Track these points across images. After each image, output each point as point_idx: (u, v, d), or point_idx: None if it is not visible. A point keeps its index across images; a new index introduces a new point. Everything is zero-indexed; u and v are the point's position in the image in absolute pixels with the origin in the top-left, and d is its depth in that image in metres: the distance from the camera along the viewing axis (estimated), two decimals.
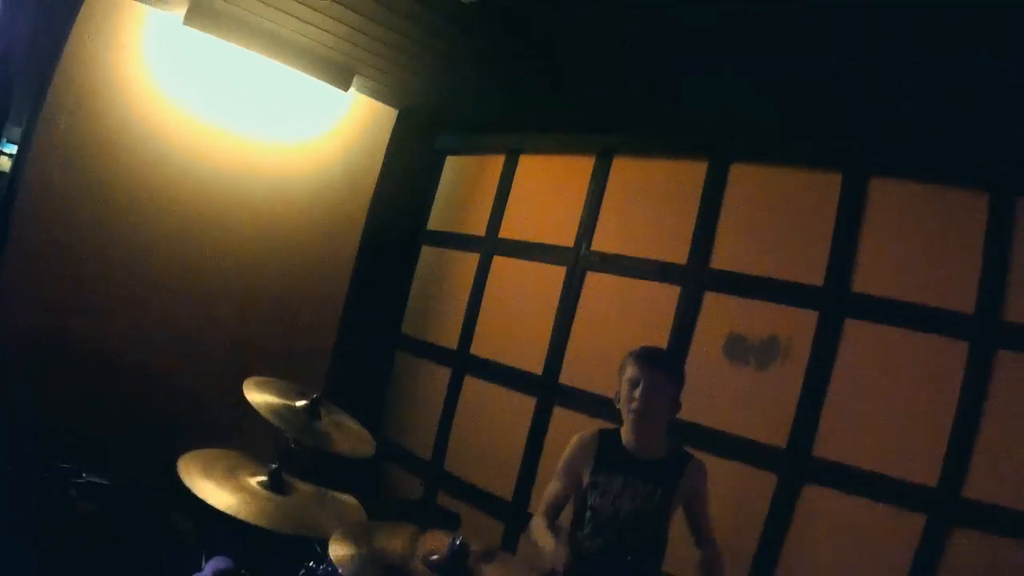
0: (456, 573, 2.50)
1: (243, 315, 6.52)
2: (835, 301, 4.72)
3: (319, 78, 6.33)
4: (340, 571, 2.55)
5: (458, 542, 2.53)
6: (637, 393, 3.91)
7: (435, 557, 2.55)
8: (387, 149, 7.18)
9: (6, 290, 5.42)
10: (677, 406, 3.99)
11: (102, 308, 5.81)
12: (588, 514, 4.05)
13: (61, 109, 5.49)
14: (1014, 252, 4.19)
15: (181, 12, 5.69)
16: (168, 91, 5.92)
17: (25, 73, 5.73)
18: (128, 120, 5.77)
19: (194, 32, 5.77)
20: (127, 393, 5.85)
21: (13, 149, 5.57)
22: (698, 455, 4.06)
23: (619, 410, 4.04)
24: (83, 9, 5.46)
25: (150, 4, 5.66)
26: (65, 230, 5.61)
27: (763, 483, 4.76)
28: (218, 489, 3.33)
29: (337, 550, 2.52)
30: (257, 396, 3.83)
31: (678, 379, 4.01)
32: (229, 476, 3.47)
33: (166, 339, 6.11)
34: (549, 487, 4.23)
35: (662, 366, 3.99)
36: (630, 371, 3.97)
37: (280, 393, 3.99)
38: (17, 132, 5.58)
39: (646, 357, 3.99)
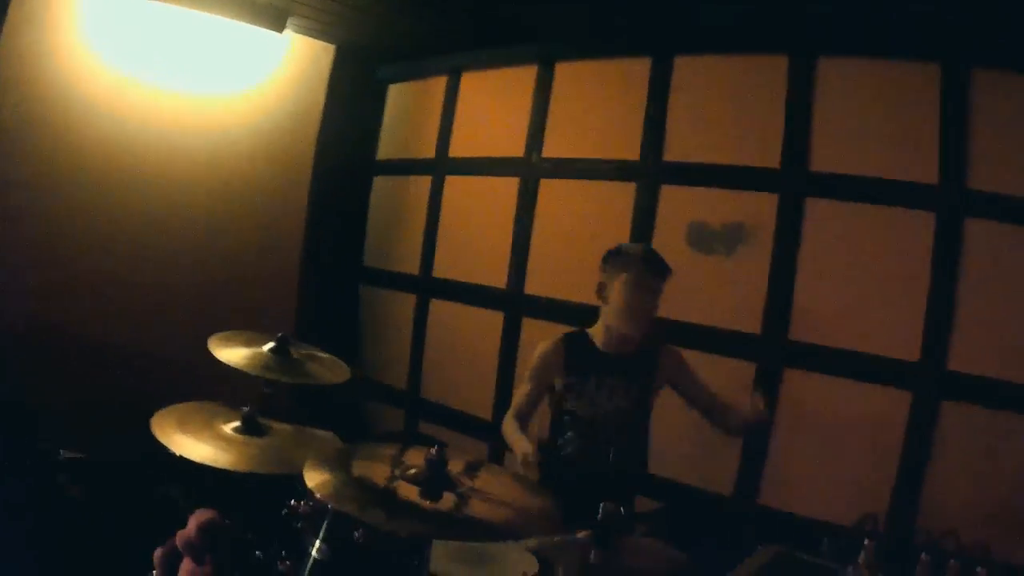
0: (438, 484, 2.46)
1: (203, 271, 6.45)
2: (794, 182, 4.68)
3: (253, 23, 6.21)
4: (319, 500, 2.51)
5: (435, 451, 2.48)
6: (638, 296, 3.90)
7: (413, 471, 2.51)
8: (328, 86, 7.07)
9: None
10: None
11: (59, 284, 5.75)
12: (567, 419, 4.05)
13: (5, 102, 5.43)
14: (972, 121, 4.13)
15: None
16: (108, 61, 5.84)
17: None
18: (72, 97, 5.70)
19: None
20: (93, 366, 5.80)
21: None
22: (669, 345, 4.09)
23: (601, 306, 4.02)
24: None
25: None
26: (16, 203, 5.55)
27: (742, 372, 4.74)
28: (194, 441, 3.27)
29: (313, 477, 2.47)
30: (223, 351, 3.78)
31: (666, 274, 3.99)
32: (204, 427, 3.41)
33: (127, 307, 6.05)
34: (517, 391, 4.24)
35: (666, 272, 3.97)
36: (632, 272, 3.92)
37: (246, 342, 3.94)
38: None
39: (650, 261, 3.96)
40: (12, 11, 5.36)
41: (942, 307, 4.13)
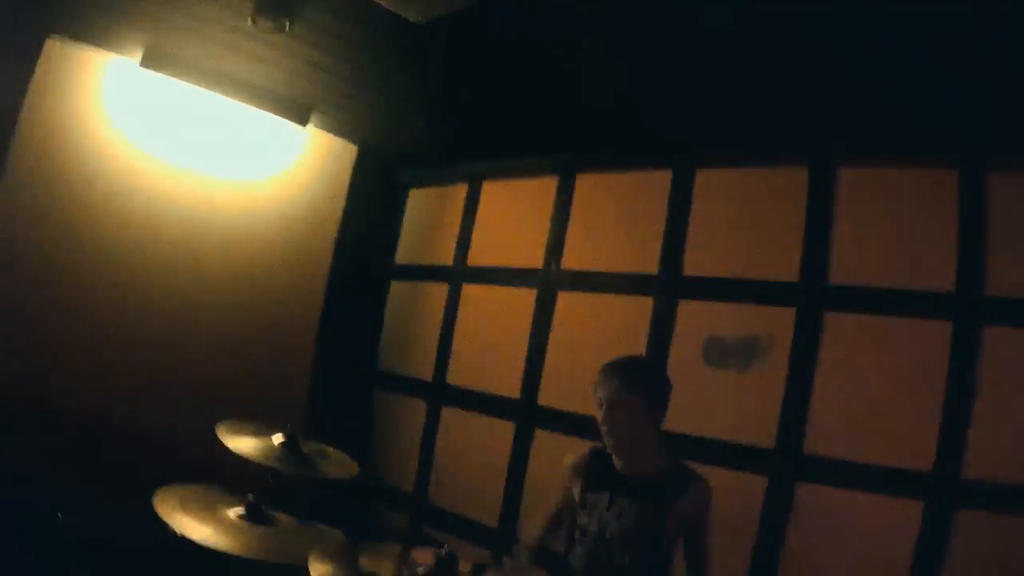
0: None
1: (213, 356, 6.44)
2: (812, 295, 4.66)
3: (278, 115, 6.33)
4: None
5: (444, 552, 2.44)
6: (599, 413, 3.79)
7: (421, 569, 2.46)
8: (350, 185, 7.14)
9: None
10: (651, 419, 3.82)
11: (73, 357, 5.74)
12: (578, 534, 3.96)
13: (23, 165, 5.47)
14: (989, 225, 4.14)
15: (138, 56, 5.68)
16: (131, 136, 5.93)
17: None
18: (93, 168, 5.76)
19: (153, 75, 5.76)
20: (99, 439, 5.75)
21: None
22: (694, 467, 3.93)
23: None
24: (40, 61, 5.45)
25: (107, 50, 5.65)
26: (34, 282, 5.58)
27: (755, 487, 4.67)
28: (196, 522, 3.26)
29: (317, 569, 2.43)
30: (233, 439, 3.78)
31: (644, 391, 3.80)
32: (207, 509, 3.41)
33: (136, 383, 6.02)
34: (545, 505, 4.22)
35: (621, 379, 3.78)
36: (596, 388, 3.83)
37: (255, 432, 3.94)
38: None
39: (606, 371, 3.84)
40: (37, 77, 5.45)
41: (957, 416, 4.07)
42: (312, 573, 2.43)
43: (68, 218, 5.69)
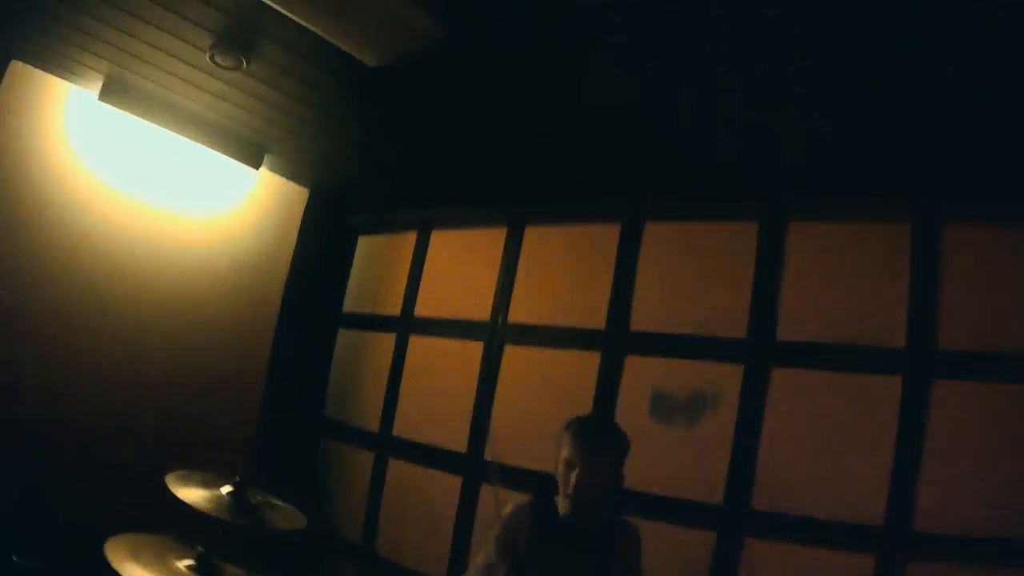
0: None
1: (163, 394, 6.41)
2: (760, 351, 4.72)
3: (231, 156, 6.37)
4: None
5: None
6: (574, 477, 3.65)
7: None
8: (300, 228, 7.19)
9: None
10: (620, 478, 3.78)
11: (23, 386, 5.68)
12: None
13: None
14: (942, 277, 4.23)
15: (97, 88, 5.71)
16: (89, 165, 5.95)
17: None
18: (49, 194, 5.76)
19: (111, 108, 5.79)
20: (44, 482, 5.67)
21: None
22: (634, 522, 3.90)
23: (556, 482, 3.81)
24: (3, 82, 5.45)
25: (67, 80, 5.68)
26: None
27: (703, 542, 4.69)
28: (145, 573, 3.25)
29: None
30: (182, 489, 3.76)
31: (619, 452, 3.77)
32: (156, 560, 3.40)
33: (83, 423, 5.95)
34: (477, 558, 4.05)
35: (600, 445, 3.73)
36: (565, 450, 3.70)
37: (204, 483, 3.92)
38: None
39: (582, 435, 3.72)
40: (1, 98, 5.46)
41: (906, 470, 4.13)
42: None
43: (19, 243, 5.67)
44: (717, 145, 4.89)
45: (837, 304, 4.53)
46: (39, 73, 5.62)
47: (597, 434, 3.82)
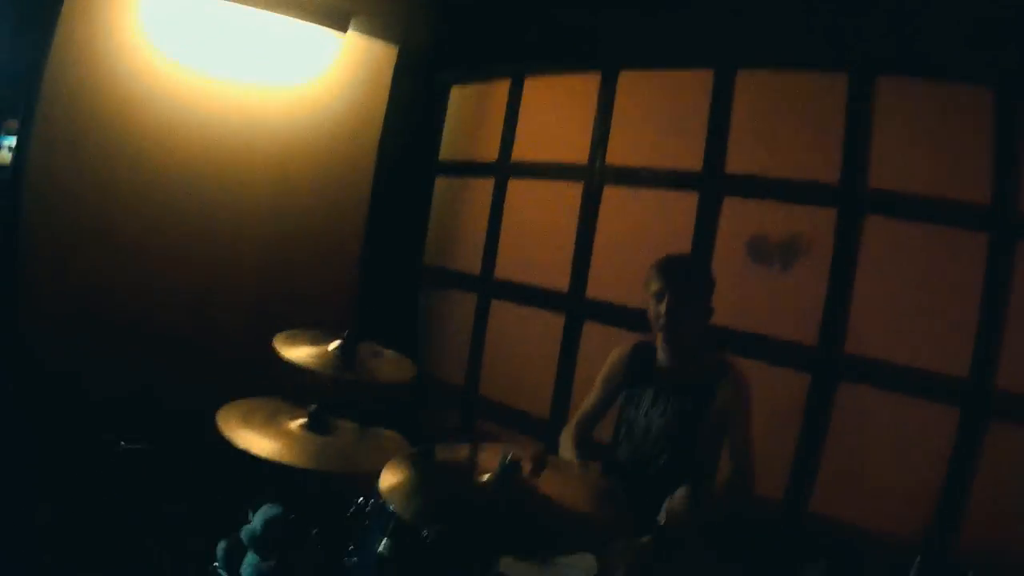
0: (510, 490, 2.48)
1: (263, 265, 6.54)
2: (853, 198, 4.70)
3: (318, 23, 6.34)
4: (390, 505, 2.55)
5: (508, 458, 2.50)
6: (662, 308, 3.79)
7: (486, 478, 2.53)
8: (391, 86, 7.12)
9: (29, 276, 5.51)
10: (708, 313, 3.88)
11: (127, 275, 5.86)
12: (624, 428, 4.05)
13: (59, 87, 5.50)
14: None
15: None
16: (167, 51, 5.90)
17: (15, 64, 5.69)
18: (130, 85, 5.76)
19: None
20: (163, 353, 5.91)
21: (12, 141, 5.54)
22: (739, 367, 3.90)
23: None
24: None
25: None
26: (78, 207, 5.66)
27: (798, 383, 4.78)
28: (259, 437, 3.34)
29: (385, 482, 2.52)
30: (290, 350, 3.85)
31: (704, 287, 3.88)
32: (269, 423, 3.49)
33: (191, 292, 6.16)
34: (585, 399, 4.26)
35: (685, 276, 3.84)
36: (654, 285, 3.83)
37: (311, 340, 4.01)
38: (14, 124, 5.56)
39: (667, 269, 3.85)
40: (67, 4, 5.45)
41: (992, 327, 4.15)
42: (382, 487, 2.51)
43: (108, 139, 5.72)
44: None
45: (927, 157, 4.48)
46: None
47: (679, 266, 3.91)
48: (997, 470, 4.08)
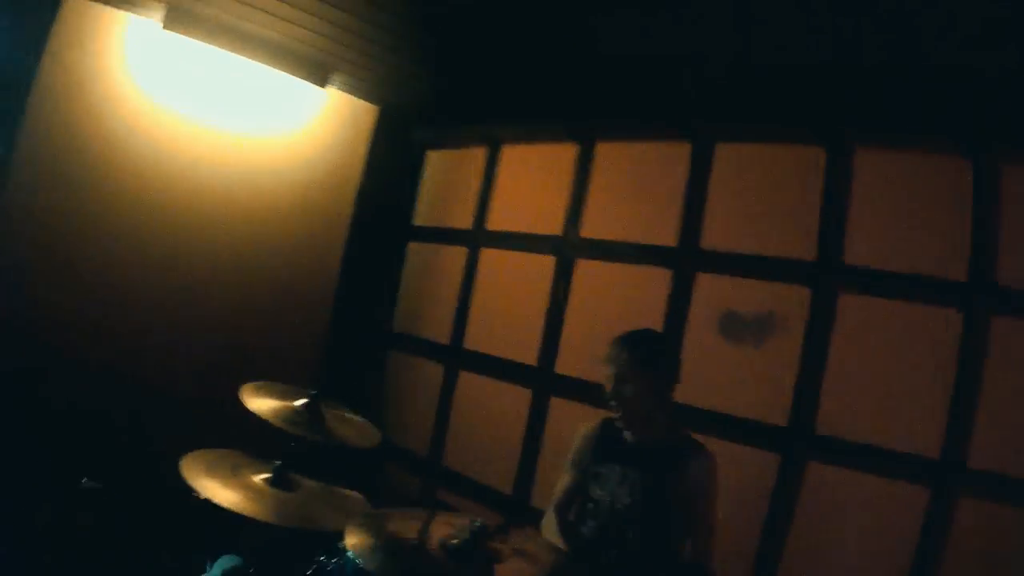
0: (475, 555, 2.46)
1: (234, 315, 6.52)
2: (828, 275, 4.70)
3: (297, 75, 6.36)
4: (356, 562, 2.53)
5: (477, 524, 2.49)
6: (607, 386, 3.79)
7: (454, 541, 2.52)
8: (369, 145, 7.18)
9: None
10: (659, 393, 3.81)
11: (92, 313, 5.80)
12: (590, 506, 3.98)
13: (40, 124, 5.49)
14: (1003, 216, 4.17)
15: (159, 17, 5.70)
16: (151, 94, 5.94)
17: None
18: (112, 125, 5.79)
19: (173, 35, 5.78)
20: (120, 397, 5.82)
21: None
22: (699, 439, 3.90)
23: None
24: (58, 18, 5.45)
25: (127, 10, 5.66)
26: (52, 237, 5.62)
27: (767, 463, 4.73)
28: (223, 487, 3.32)
29: (352, 539, 2.49)
30: (256, 402, 3.82)
31: (650, 364, 3.79)
32: (233, 474, 3.46)
33: (158, 341, 6.10)
34: (559, 481, 4.18)
35: (629, 353, 3.78)
36: (606, 360, 3.82)
37: (278, 395, 3.98)
38: None
39: (615, 344, 3.84)
40: (55, 35, 5.47)
41: (965, 405, 4.13)
42: (348, 543, 2.48)
43: (86, 177, 5.72)
44: (788, 74, 4.85)
45: (905, 233, 4.49)
46: (94, 6, 5.61)
47: (623, 346, 3.83)
48: (965, 552, 4.04)
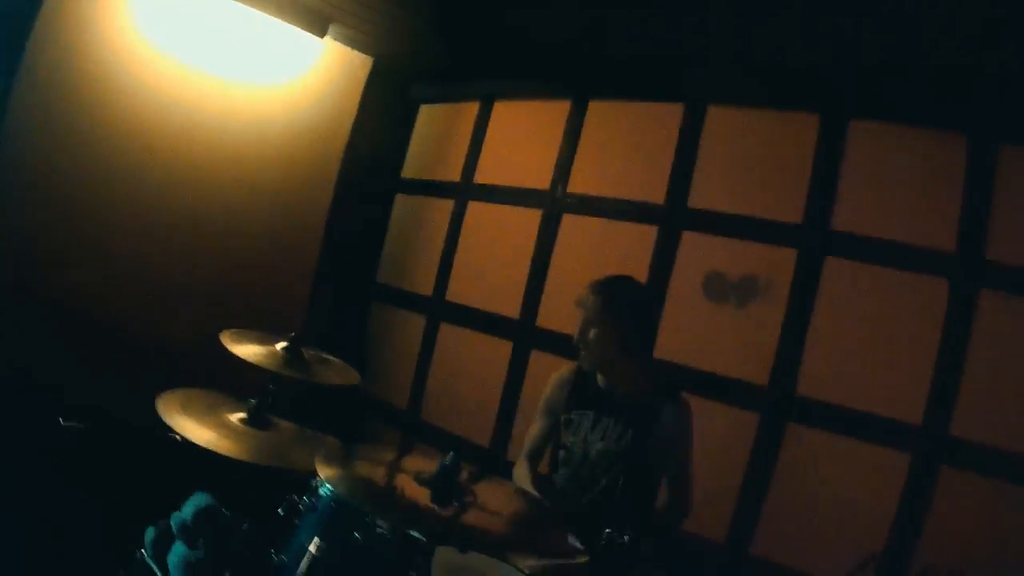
0: (448, 490, 2.46)
1: (220, 260, 6.48)
2: (815, 239, 4.70)
3: (296, 24, 6.28)
4: (328, 493, 2.52)
5: (449, 458, 2.49)
6: (577, 326, 3.80)
7: (425, 474, 2.51)
8: (362, 97, 7.11)
9: None
10: (628, 339, 3.78)
11: (81, 260, 5.77)
12: (562, 453, 3.98)
13: (40, 64, 5.44)
14: (995, 192, 4.17)
15: None
16: (152, 37, 5.87)
17: None
18: (109, 67, 5.72)
19: None
20: (105, 342, 5.80)
21: None
22: (687, 397, 3.88)
23: None
24: None
25: None
26: (46, 184, 5.59)
27: (746, 423, 4.74)
28: (197, 425, 3.30)
29: (324, 471, 2.48)
30: (237, 346, 3.80)
31: (617, 306, 3.75)
32: (208, 413, 3.45)
33: (145, 286, 6.07)
34: (530, 428, 4.17)
35: (600, 297, 3.76)
36: (578, 303, 3.84)
37: (259, 339, 3.96)
38: None
39: (589, 287, 3.83)
40: None
41: (949, 374, 4.14)
42: (320, 474, 2.48)
43: (81, 119, 5.66)
44: (787, 45, 4.82)
45: (894, 202, 4.50)
46: None
47: (593, 290, 3.82)
48: (946, 515, 4.06)
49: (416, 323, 6.79)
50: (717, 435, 4.56)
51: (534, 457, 4.09)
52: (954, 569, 3.92)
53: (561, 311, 5.73)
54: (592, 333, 3.75)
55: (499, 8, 5.63)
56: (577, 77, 6.08)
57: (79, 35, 5.56)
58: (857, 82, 4.70)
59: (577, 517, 3.57)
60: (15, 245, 5.49)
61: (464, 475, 2.59)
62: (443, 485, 2.47)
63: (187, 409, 3.41)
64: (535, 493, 3.71)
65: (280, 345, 3.91)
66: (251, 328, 4.09)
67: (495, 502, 2.58)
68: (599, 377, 3.92)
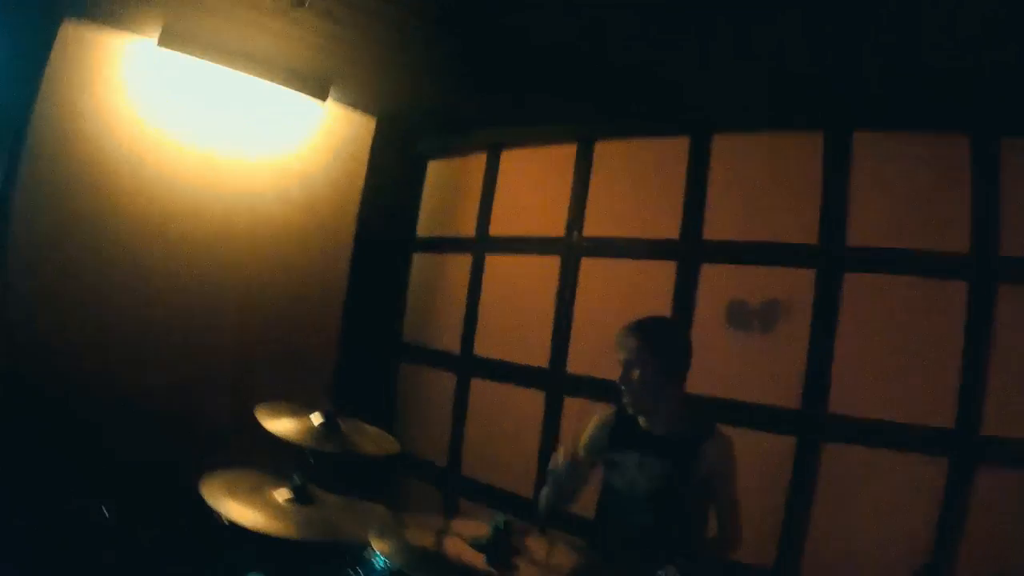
0: (503, 552, 2.48)
1: (242, 336, 6.49)
2: (831, 257, 4.73)
3: (296, 90, 6.34)
4: (384, 567, 2.55)
5: (501, 520, 2.51)
6: (620, 370, 3.82)
7: (480, 538, 2.53)
8: (369, 158, 7.15)
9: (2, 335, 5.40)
10: (669, 378, 3.82)
11: (99, 345, 5.76)
12: (609, 496, 4.00)
13: (41, 153, 5.48)
14: (1001, 186, 4.21)
15: (155, 36, 5.68)
16: (149, 118, 5.91)
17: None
18: (112, 152, 5.75)
19: (170, 54, 5.78)
20: (131, 418, 5.75)
21: None
22: (726, 432, 3.89)
23: None
24: (56, 45, 5.44)
25: (123, 30, 5.65)
26: (57, 266, 5.59)
27: (783, 447, 4.75)
28: (244, 507, 3.32)
29: (378, 544, 2.51)
30: (272, 422, 3.82)
31: (660, 350, 3.81)
32: (253, 493, 3.47)
33: (167, 364, 6.06)
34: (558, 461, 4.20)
35: (637, 339, 3.80)
36: (616, 348, 3.86)
37: (293, 413, 3.98)
38: None
39: (624, 331, 3.87)
40: (52, 62, 5.46)
41: (975, 374, 4.16)
42: (375, 547, 2.50)
43: (89, 204, 5.69)
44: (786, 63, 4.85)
45: (905, 210, 4.53)
46: (91, 31, 5.58)
47: (631, 332, 3.86)
48: (987, 518, 4.07)
49: (447, 380, 6.79)
50: (756, 462, 4.54)
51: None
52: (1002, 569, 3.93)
53: (589, 355, 5.78)
54: (635, 374, 3.78)
55: (504, 60, 5.67)
56: (581, 120, 6.13)
57: (77, 123, 5.61)
58: (858, 89, 4.73)
59: (628, 557, 3.61)
60: (28, 340, 5.48)
61: (516, 534, 2.61)
62: (497, 547, 2.48)
63: (232, 492, 3.43)
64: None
65: (316, 419, 3.93)
66: (284, 400, 4.12)
67: (551, 556, 2.59)
68: (640, 418, 3.93)
